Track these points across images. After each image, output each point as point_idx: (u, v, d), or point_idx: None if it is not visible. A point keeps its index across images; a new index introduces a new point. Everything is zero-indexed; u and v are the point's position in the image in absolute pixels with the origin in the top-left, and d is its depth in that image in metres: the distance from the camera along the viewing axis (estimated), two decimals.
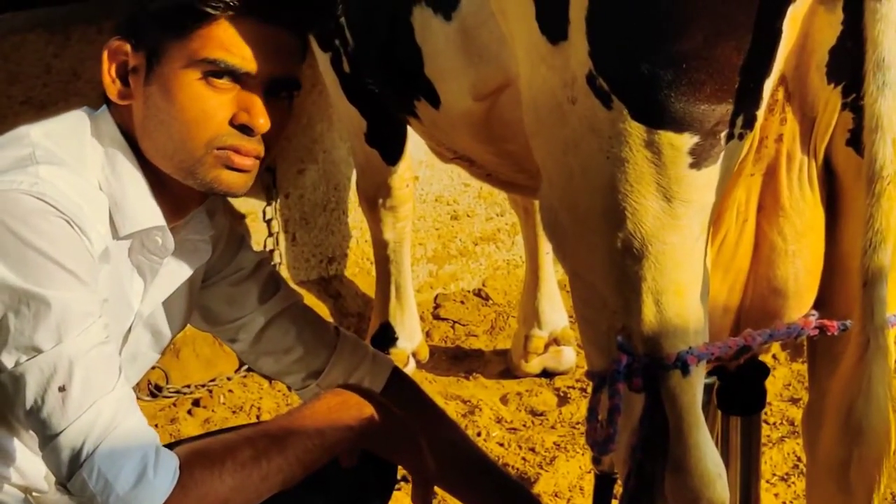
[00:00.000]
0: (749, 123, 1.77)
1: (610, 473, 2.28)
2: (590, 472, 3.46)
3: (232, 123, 1.99)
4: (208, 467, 1.86)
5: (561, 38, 1.80)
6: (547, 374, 4.01)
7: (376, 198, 3.82)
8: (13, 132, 1.98)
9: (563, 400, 3.89)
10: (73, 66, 3.81)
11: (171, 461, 1.83)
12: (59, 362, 1.80)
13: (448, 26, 2.21)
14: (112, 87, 2.01)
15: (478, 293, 4.51)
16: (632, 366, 1.82)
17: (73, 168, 1.95)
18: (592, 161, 1.79)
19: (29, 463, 2.01)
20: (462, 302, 4.45)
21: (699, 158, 1.75)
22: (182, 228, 2.10)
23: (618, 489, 2.65)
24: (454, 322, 4.36)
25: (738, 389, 2.18)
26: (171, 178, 2.03)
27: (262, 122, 1.99)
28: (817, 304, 1.97)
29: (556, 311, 3.97)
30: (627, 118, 1.74)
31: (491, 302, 4.47)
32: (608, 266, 1.82)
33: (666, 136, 1.74)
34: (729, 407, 2.21)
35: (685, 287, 1.81)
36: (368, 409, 2.02)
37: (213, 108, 1.98)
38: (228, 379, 3.97)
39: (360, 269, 4.34)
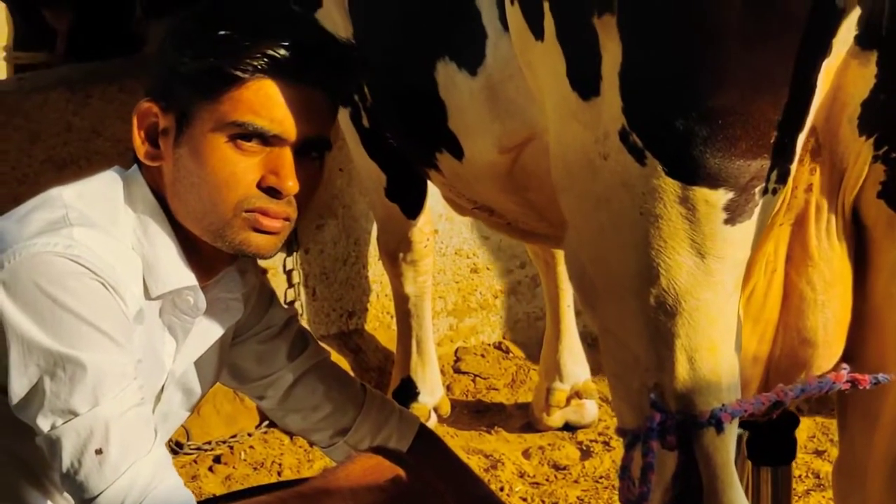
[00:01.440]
0: (783, 178, 1.76)
1: None
2: None
3: (260, 186, 1.98)
4: None
5: (593, 94, 1.79)
6: (569, 427, 3.98)
7: (397, 252, 3.81)
8: (44, 195, 1.97)
9: (585, 454, 3.86)
10: (93, 125, 3.83)
11: None
12: (96, 425, 1.79)
13: (473, 81, 2.21)
14: (142, 148, 2.00)
15: (498, 346, 4.49)
16: (665, 423, 1.80)
17: (106, 230, 1.94)
18: (624, 217, 1.78)
19: None
20: (482, 355, 4.43)
21: (734, 214, 1.74)
22: (213, 287, 2.09)
23: None
24: (475, 375, 4.34)
25: (769, 440, 2.16)
26: (202, 238, 2.02)
27: (291, 184, 1.97)
28: (846, 357, 1.96)
29: (577, 364, 3.95)
30: (662, 174, 1.73)
31: (511, 355, 4.45)
32: (641, 323, 1.80)
33: (701, 193, 1.73)
34: (759, 458, 2.19)
35: (718, 343, 1.79)
36: (400, 473, 2.00)
37: (242, 170, 1.96)
38: (249, 435, 3.95)
39: (380, 324, 4.33)
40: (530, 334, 4.49)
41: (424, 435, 2.33)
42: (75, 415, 1.80)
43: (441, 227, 4.32)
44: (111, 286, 1.86)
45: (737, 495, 1.82)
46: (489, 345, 4.48)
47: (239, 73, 1.95)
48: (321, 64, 2.00)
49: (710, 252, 1.76)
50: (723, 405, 1.79)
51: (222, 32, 1.95)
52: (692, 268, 1.76)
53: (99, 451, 1.78)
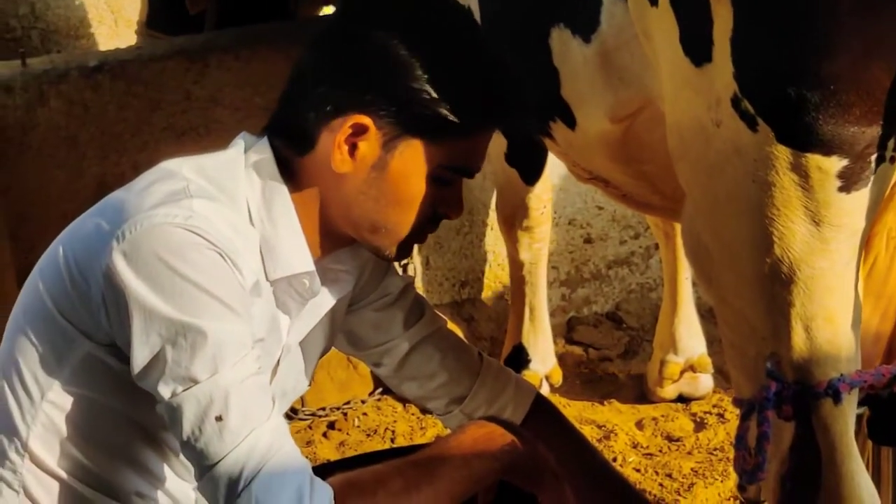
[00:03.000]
0: None
1: (757, 501, 2.23)
2: (729, 499, 3.41)
3: (435, 211, 2.04)
4: (361, 498, 1.86)
5: (705, 60, 1.77)
6: (683, 399, 3.96)
7: (514, 218, 3.82)
8: (163, 168, 1.98)
9: (699, 425, 3.83)
10: (211, 94, 3.88)
11: (325, 492, 1.82)
12: (216, 392, 1.81)
13: (587, 48, 2.20)
14: (340, 156, 1.98)
15: (611, 317, 4.47)
16: (781, 393, 1.78)
17: (226, 203, 1.95)
18: (738, 185, 1.76)
19: (177, 487, 2.04)
20: (595, 325, 4.42)
21: (848, 182, 1.71)
22: (323, 258, 2.09)
23: None
24: (587, 346, 4.33)
25: (890, 419, 2.12)
26: (334, 225, 2.04)
27: (460, 212, 2.06)
28: None
29: (693, 337, 3.91)
30: (773, 141, 1.71)
31: (624, 325, 4.43)
32: (756, 292, 1.79)
33: (814, 160, 1.70)
34: (880, 437, 2.15)
35: (836, 313, 1.77)
36: (513, 442, 2.00)
37: (431, 203, 2.02)
38: (363, 402, 3.99)
39: (493, 293, 4.34)
40: (644, 305, 4.48)
41: (541, 405, 2.32)
42: (196, 382, 1.81)
43: (555, 197, 4.30)
44: (229, 257, 1.87)
45: (856, 466, 1.79)
46: (602, 315, 4.47)
47: (475, 131, 2.01)
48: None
49: (824, 220, 1.73)
50: (841, 375, 1.77)
51: (470, 86, 1.97)
52: (807, 236, 1.73)
53: (219, 418, 1.80)
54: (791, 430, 1.81)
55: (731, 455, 3.58)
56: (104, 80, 3.78)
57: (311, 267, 2.03)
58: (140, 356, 1.84)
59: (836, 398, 1.77)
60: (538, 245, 3.88)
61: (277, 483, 1.79)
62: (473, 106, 1.98)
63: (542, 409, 2.31)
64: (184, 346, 1.81)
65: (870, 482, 1.82)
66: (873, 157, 1.71)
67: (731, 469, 3.51)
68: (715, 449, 3.69)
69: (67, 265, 1.92)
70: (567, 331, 4.39)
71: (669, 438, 3.78)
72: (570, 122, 2.37)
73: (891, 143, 1.72)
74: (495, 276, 4.34)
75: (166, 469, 2.02)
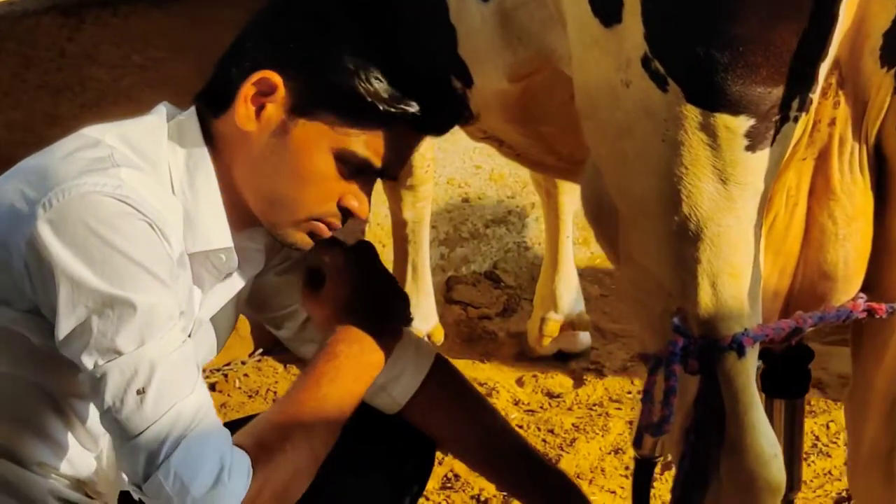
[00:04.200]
0: (803, 106, 1.77)
1: (651, 457, 2.28)
2: (609, 453, 3.47)
3: (339, 204, 2.01)
4: (272, 460, 1.87)
5: (615, 21, 1.78)
6: (562, 356, 4.02)
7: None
8: (84, 133, 1.95)
9: (578, 382, 3.91)
10: (87, 50, 3.79)
11: (244, 462, 1.84)
12: (140, 365, 1.79)
13: (485, 7, 2.17)
14: (246, 113, 1.96)
15: (489, 276, 4.51)
16: (688, 348, 1.81)
17: (150, 173, 1.93)
18: (647, 144, 1.78)
19: (80, 456, 2.02)
20: (474, 284, 4.45)
21: (755, 141, 1.75)
22: (237, 236, 2.06)
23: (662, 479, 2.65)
24: (466, 304, 4.36)
25: (784, 373, 2.19)
26: (246, 202, 2.01)
27: (366, 210, 2.03)
28: (864, 288, 1.98)
29: (572, 294, 3.98)
30: (683, 101, 1.74)
31: (503, 284, 4.47)
32: (664, 249, 1.82)
33: (722, 119, 1.73)
34: (774, 390, 2.22)
35: (740, 269, 1.81)
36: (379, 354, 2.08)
37: (334, 189, 2.00)
38: (243, 363, 3.97)
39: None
40: (521, 264, 4.53)
41: (441, 366, 2.35)
42: (120, 354, 1.79)
43: (434, 156, 4.31)
44: (158, 228, 1.85)
45: (758, 416, 1.85)
46: (480, 274, 4.50)
47: (391, 121, 1.99)
48: (444, 119, 2.11)
49: (731, 178, 1.77)
50: (745, 329, 1.81)
51: (396, 74, 1.99)
52: (714, 194, 1.77)
53: (141, 391, 1.79)
54: (696, 383, 1.85)
55: (611, 411, 3.66)
56: None
57: (230, 243, 2.01)
58: (65, 325, 1.81)
59: (741, 351, 1.82)
60: (421, 204, 3.90)
61: (197, 456, 1.80)
62: (395, 95, 1.97)
63: (441, 371, 2.33)
64: (111, 317, 1.79)
65: (772, 432, 1.87)
66: (778, 118, 1.75)
67: (611, 424, 3.59)
68: (594, 404, 3.76)
69: None
70: (446, 290, 4.42)
71: (550, 395, 3.84)
72: (467, 81, 2.31)
73: (794, 104, 1.76)
74: (374, 237, 4.34)
75: (70, 438, 2.00)
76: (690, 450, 1.88)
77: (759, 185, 1.79)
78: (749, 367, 1.84)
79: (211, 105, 2.00)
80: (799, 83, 1.74)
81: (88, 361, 1.80)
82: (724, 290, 1.80)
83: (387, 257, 4.08)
